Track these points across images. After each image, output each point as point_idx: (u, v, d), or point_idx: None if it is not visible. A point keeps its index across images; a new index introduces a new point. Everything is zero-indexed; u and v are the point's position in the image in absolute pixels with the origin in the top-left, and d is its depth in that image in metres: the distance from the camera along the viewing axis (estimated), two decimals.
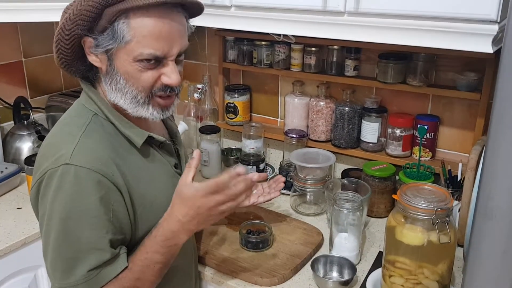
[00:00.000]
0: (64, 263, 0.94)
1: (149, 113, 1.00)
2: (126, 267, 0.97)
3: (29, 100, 2.03)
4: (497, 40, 1.12)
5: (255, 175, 1.03)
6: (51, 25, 2.13)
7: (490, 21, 1.10)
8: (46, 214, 0.94)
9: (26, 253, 1.48)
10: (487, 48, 1.12)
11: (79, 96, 2.01)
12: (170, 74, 0.97)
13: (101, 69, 1.00)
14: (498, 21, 1.09)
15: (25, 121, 1.92)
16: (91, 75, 1.03)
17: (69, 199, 0.92)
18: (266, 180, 1.44)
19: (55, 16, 1.66)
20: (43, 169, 0.94)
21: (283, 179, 1.43)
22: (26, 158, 1.69)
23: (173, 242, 0.99)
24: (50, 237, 0.94)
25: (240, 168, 1.00)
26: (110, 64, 0.97)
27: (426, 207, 1.04)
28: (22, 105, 1.96)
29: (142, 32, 0.92)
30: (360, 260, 1.36)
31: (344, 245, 1.32)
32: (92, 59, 0.98)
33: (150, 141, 1.06)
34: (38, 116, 2.05)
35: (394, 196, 1.12)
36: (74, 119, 1.01)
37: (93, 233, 0.94)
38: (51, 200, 0.93)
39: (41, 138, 1.90)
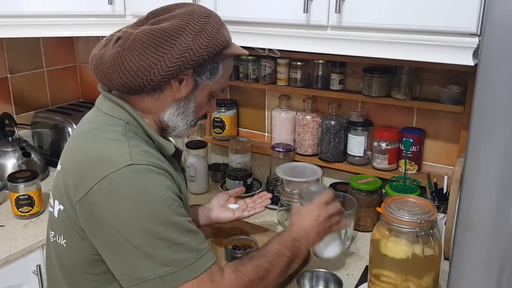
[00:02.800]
0: (170, 248, 0.91)
1: (188, 133, 1.13)
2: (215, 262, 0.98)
3: (14, 116, 2.01)
4: (477, 52, 1.13)
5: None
6: (37, 41, 2.13)
7: (471, 34, 1.11)
8: (122, 218, 0.90)
9: (8, 271, 1.45)
10: (468, 60, 1.13)
11: (65, 113, 2.05)
12: (215, 106, 1.16)
13: (176, 93, 1.03)
14: (478, 34, 1.10)
15: (10, 138, 1.90)
16: (137, 90, 1.01)
17: (146, 193, 0.91)
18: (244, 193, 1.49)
19: (41, 32, 1.67)
20: (96, 177, 0.92)
21: (269, 195, 1.43)
22: (10, 175, 1.66)
23: (298, 245, 1.11)
24: (135, 237, 0.90)
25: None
26: (193, 92, 1.05)
27: (409, 220, 1.04)
28: (6, 122, 1.94)
29: (227, 73, 1.09)
30: (342, 251, 1.33)
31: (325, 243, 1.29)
32: (176, 85, 1.02)
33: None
34: (23, 133, 2.04)
35: (378, 209, 1.11)
36: (108, 127, 1.01)
37: (181, 218, 0.95)
38: (126, 201, 0.90)
39: (25, 154, 1.88)
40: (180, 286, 0.92)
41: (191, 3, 1.06)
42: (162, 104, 1.05)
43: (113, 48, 1.00)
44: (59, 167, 1.06)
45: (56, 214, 1.03)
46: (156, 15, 1.05)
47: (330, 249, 1.29)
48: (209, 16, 1.02)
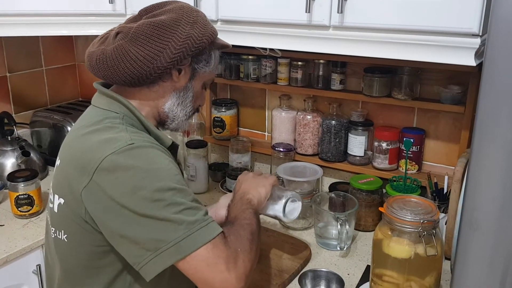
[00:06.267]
0: (181, 213, 0.92)
1: (186, 126, 1.18)
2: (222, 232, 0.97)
3: (13, 115, 2.00)
4: (479, 53, 1.13)
5: None
6: (36, 40, 2.12)
7: (473, 35, 1.11)
8: (128, 191, 0.90)
9: (8, 271, 1.45)
10: (469, 61, 1.13)
11: (64, 112, 2.04)
12: (205, 97, 1.21)
13: (176, 82, 1.07)
14: (480, 34, 1.10)
15: (9, 137, 1.89)
16: (143, 80, 1.03)
17: (149, 163, 0.93)
18: None
19: (40, 30, 1.66)
20: (96, 160, 0.92)
21: None
22: (9, 174, 1.66)
23: (249, 196, 1.16)
24: (144, 207, 0.90)
25: None
26: (190, 81, 1.10)
27: (412, 220, 1.04)
28: (6, 121, 1.94)
29: (216, 63, 1.14)
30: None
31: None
32: (176, 74, 1.06)
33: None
34: (22, 132, 2.03)
35: (380, 208, 1.11)
36: (105, 120, 1.02)
37: (187, 188, 0.96)
38: (130, 174, 0.91)
39: (25, 154, 1.87)
40: (195, 252, 0.91)
41: (177, 0, 1.11)
42: (162, 95, 1.08)
43: (114, 42, 1.01)
44: (58, 162, 1.07)
45: (56, 209, 1.03)
46: (148, 11, 1.08)
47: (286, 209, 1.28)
48: (197, 10, 1.08)
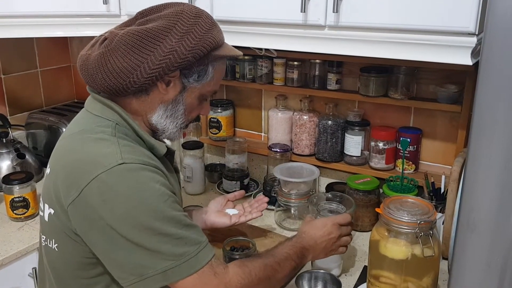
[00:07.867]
0: (170, 243, 0.91)
1: (179, 136, 1.12)
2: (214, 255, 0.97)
3: (8, 117, 1.99)
4: (476, 52, 1.13)
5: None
6: (31, 41, 2.11)
7: (469, 34, 1.11)
8: (118, 216, 0.89)
9: (4, 274, 1.44)
10: (466, 60, 1.13)
11: (60, 113, 2.03)
12: (208, 108, 1.13)
13: (163, 95, 1.01)
14: (477, 33, 1.10)
15: (4, 139, 1.88)
16: (121, 92, 0.99)
17: (140, 190, 0.90)
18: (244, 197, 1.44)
19: (34, 32, 1.65)
20: (87, 178, 0.90)
21: (266, 199, 1.41)
22: (4, 177, 1.64)
23: (306, 253, 1.13)
24: (133, 235, 0.89)
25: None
26: (181, 94, 1.02)
27: (409, 220, 1.04)
28: (0, 123, 1.92)
29: (218, 75, 1.06)
30: (341, 274, 1.34)
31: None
32: (162, 87, 0.99)
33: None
34: (17, 134, 2.02)
35: (377, 209, 1.11)
36: (97, 128, 0.99)
37: (178, 212, 0.94)
38: (121, 200, 0.89)
39: (20, 156, 1.86)
40: (182, 280, 0.91)
41: (181, 3, 1.03)
42: (149, 106, 1.02)
43: (99, 49, 0.98)
44: (48, 170, 1.04)
45: (46, 218, 1.01)
46: (144, 15, 1.03)
47: (329, 266, 1.30)
48: (198, 16, 0.99)
